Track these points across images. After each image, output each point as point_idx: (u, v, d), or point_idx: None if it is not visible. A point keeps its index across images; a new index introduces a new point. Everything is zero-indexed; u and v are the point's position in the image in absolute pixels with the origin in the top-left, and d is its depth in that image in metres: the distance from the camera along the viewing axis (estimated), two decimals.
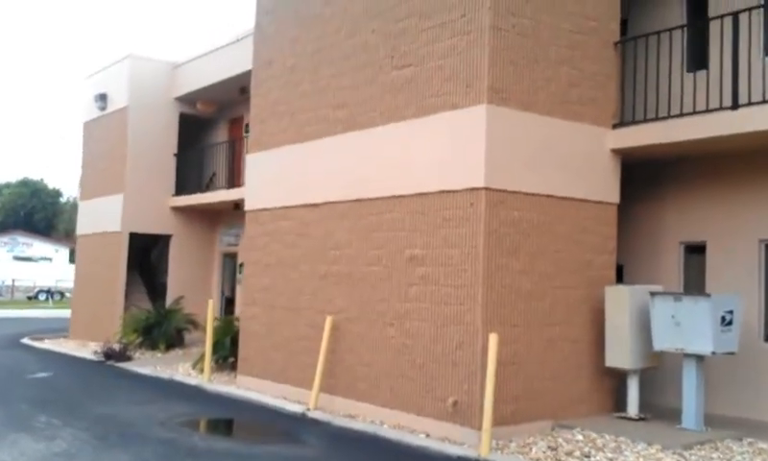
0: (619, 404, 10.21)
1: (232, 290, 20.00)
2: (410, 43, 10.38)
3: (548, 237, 9.78)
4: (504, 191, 9.36)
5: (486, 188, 9.20)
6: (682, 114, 9.75)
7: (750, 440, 8.72)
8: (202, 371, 14.35)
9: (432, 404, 9.64)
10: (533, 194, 9.62)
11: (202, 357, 14.94)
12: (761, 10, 9.82)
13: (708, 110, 9.48)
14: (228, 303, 19.93)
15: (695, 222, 10.65)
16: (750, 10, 9.52)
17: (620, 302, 9.69)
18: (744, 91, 9.30)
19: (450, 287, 9.53)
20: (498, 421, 8.84)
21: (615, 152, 10.39)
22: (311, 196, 11.95)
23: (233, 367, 14.19)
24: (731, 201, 10.27)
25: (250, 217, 13.38)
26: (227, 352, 14.49)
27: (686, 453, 8.29)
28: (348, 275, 11.16)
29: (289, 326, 12.25)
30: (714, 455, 8.25)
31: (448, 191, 9.62)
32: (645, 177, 10.85)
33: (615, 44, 10.44)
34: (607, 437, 8.97)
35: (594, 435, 9.07)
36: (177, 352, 17.84)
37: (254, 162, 13.38)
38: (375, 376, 10.52)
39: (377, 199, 10.72)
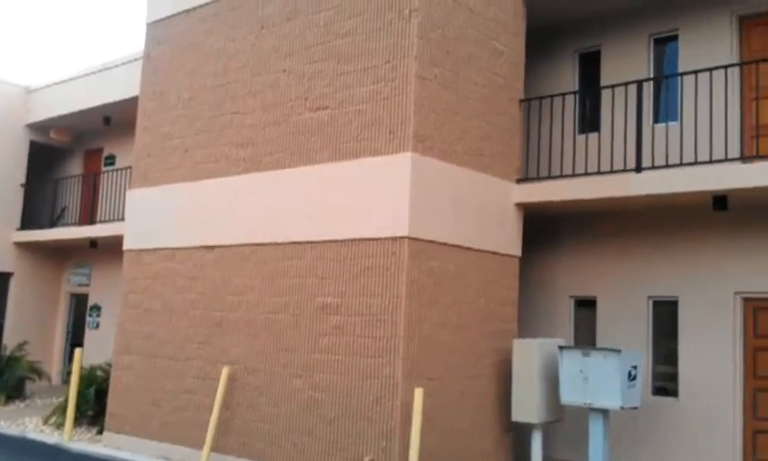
0: (519, 459, 10.27)
1: (80, 335, 18.36)
2: (326, 86, 10.12)
3: (461, 289, 9.77)
4: (425, 241, 9.26)
5: (409, 237, 9.05)
6: (587, 173, 10.19)
7: None
8: (58, 426, 12.92)
9: None
10: (449, 244, 9.59)
11: (55, 411, 13.49)
12: (651, 82, 10.63)
13: (612, 171, 9.99)
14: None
15: (586, 277, 11.09)
16: (653, 80, 10.22)
17: (529, 355, 9.79)
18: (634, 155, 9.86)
19: (368, 338, 9.21)
20: None
21: (519, 206, 10.65)
22: (207, 237, 11.23)
23: (94, 422, 12.90)
24: (621, 258, 10.78)
25: (129, 257, 12.35)
26: (89, 406, 13.14)
27: None
28: (248, 322, 10.53)
29: (173, 377, 11.32)
30: None
31: (368, 239, 9.36)
32: (540, 231, 11.20)
33: (520, 102, 10.80)
34: None
35: None
36: (18, 405, 15.90)
37: (138, 199, 12.42)
38: (277, 432, 9.91)
39: (286, 244, 10.24)
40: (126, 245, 12.48)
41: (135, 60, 14.69)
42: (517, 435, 10.37)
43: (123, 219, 13.21)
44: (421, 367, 9.10)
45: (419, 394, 8.57)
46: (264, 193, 10.63)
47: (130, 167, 14.76)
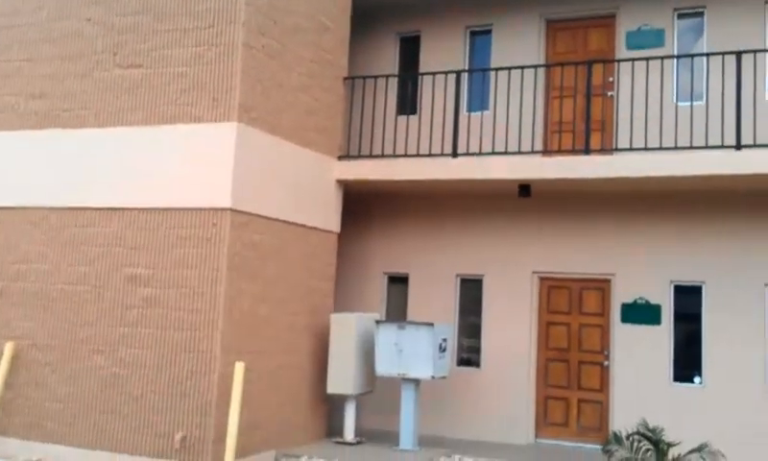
0: (331, 430, 10.46)
1: None
2: (141, 42, 9.47)
3: (283, 263, 9.68)
4: (248, 213, 9.04)
5: (231, 209, 8.78)
6: (407, 155, 10.55)
7: (458, 456, 9.62)
8: None
9: (152, 441, 8.75)
10: (272, 218, 9.45)
11: None
12: (467, 74, 11.24)
13: (430, 155, 10.39)
14: None
15: (400, 254, 11.50)
16: (470, 71, 11.01)
17: (347, 329, 9.95)
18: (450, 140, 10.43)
19: (184, 311, 8.82)
20: (222, 455, 8.34)
21: (339, 183, 10.76)
22: None
23: None
24: (433, 237, 11.31)
25: None
26: None
27: None
28: (38, 293, 9.58)
29: None
30: None
31: (187, 208, 8.93)
32: (357, 209, 11.41)
33: (345, 79, 10.89)
34: None
35: None
36: None
37: None
38: (73, 412, 9.17)
39: (87, 209, 9.46)
40: None
41: None
42: (332, 407, 10.54)
43: None
44: (240, 341, 8.90)
45: (239, 367, 8.39)
46: (61, 152, 9.72)
47: None
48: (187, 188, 8.96)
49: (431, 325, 9.63)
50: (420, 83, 11.10)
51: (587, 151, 9.69)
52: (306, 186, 10.09)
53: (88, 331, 9.26)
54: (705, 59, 10.01)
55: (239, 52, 8.96)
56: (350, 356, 9.86)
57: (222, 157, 8.85)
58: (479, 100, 11.14)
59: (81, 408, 9.15)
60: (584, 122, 9.86)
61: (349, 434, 10.05)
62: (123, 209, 9.27)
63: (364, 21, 11.62)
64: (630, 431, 8.43)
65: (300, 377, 9.98)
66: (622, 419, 9.58)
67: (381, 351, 9.79)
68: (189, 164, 9.00)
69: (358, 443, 9.99)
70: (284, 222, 9.64)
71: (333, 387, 9.96)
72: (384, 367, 9.80)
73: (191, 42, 9.21)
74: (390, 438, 9.97)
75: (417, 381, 9.79)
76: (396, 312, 11.45)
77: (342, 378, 9.89)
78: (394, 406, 10.03)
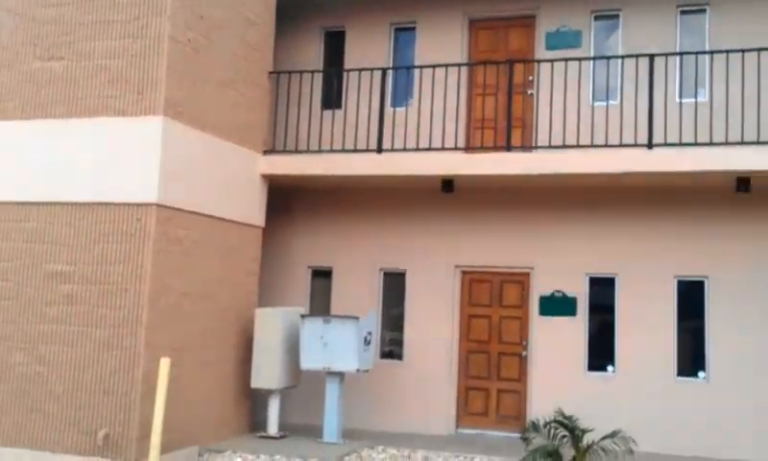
0: (255, 425, 10.52)
1: None
2: (63, 34, 9.36)
3: (207, 258, 9.69)
4: (173, 208, 9.03)
5: (157, 204, 8.76)
6: (332, 150, 10.67)
7: (381, 447, 9.83)
8: None
9: (75, 439, 8.71)
10: (197, 213, 9.45)
11: None
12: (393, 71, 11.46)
13: (355, 150, 10.58)
14: None
15: (324, 249, 11.59)
16: (395, 69, 11.27)
17: (272, 324, 10.03)
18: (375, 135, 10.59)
19: (107, 308, 8.77)
20: (146, 451, 8.35)
21: (264, 177, 10.81)
22: None
23: None
24: (357, 232, 11.43)
25: None
26: None
27: None
28: None
29: None
30: None
31: (110, 203, 8.88)
32: (281, 203, 11.45)
33: (270, 74, 10.92)
34: (263, 457, 9.24)
35: (251, 456, 9.27)
36: None
37: None
38: None
39: (8, 203, 9.33)
40: None
41: None
42: (256, 401, 10.60)
43: None
44: (164, 337, 8.90)
45: (165, 364, 8.30)
46: None
47: None
48: (111, 183, 8.91)
49: (356, 318, 9.79)
50: (345, 78, 11.20)
51: (508, 148, 9.99)
52: (231, 181, 10.12)
53: (8, 329, 9.13)
54: (620, 60, 10.40)
55: (165, 45, 8.94)
56: (275, 351, 9.94)
57: (147, 152, 8.82)
58: (404, 96, 11.34)
59: (1, 406, 9.00)
60: (505, 119, 10.15)
61: (273, 428, 10.12)
62: (44, 204, 9.16)
63: (289, 16, 11.68)
64: (547, 419, 8.80)
65: (224, 373, 10.02)
66: (540, 407, 9.92)
67: (306, 345, 9.90)
68: (113, 158, 8.95)
69: (282, 437, 10.07)
70: (209, 217, 9.66)
71: (257, 382, 10.02)
72: (309, 361, 9.91)
73: (116, 35, 9.14)
74: (314, 432, 10.10)
75: (341, 375, 9.94)
76: (320, 306, 11.54)
77: (266, 373, 9.96)
78: (318, 400, 10.15)
